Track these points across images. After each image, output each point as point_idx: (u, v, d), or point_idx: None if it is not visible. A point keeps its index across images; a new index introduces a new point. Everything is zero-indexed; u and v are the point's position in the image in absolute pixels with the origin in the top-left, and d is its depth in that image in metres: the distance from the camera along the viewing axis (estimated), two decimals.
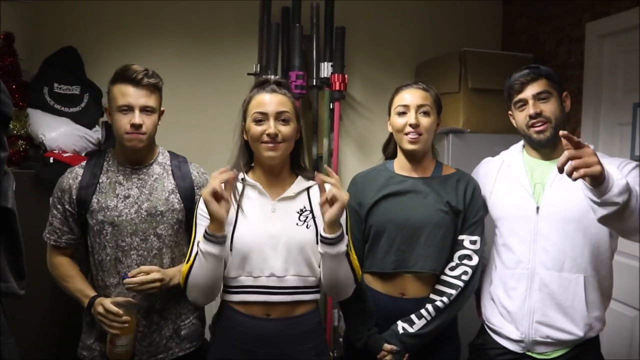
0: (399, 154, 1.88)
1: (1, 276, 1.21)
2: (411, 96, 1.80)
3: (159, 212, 1.79)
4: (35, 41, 2.84)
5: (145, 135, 1.75)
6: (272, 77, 1.69)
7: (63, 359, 2.22)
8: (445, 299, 1.74)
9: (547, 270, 1.71)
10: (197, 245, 1.53)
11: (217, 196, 1.46)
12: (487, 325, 1.87)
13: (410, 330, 1.74)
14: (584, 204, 1.66)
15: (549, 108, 1.73)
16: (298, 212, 1.63)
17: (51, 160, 2.41)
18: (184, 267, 1.59)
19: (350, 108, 3.35)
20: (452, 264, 1.78)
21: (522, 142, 1.89)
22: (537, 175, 1.78)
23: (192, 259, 1.55)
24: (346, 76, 3.04)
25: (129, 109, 1.72)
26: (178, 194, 1.83)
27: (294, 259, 1.59)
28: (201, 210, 1.63)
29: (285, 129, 1.59)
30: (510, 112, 1.86)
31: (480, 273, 1.80)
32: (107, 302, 1.68)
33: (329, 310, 3.02)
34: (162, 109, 1.84)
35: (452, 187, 1.81)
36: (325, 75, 3.04)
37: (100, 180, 1.80)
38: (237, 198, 1.61)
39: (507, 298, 1.78)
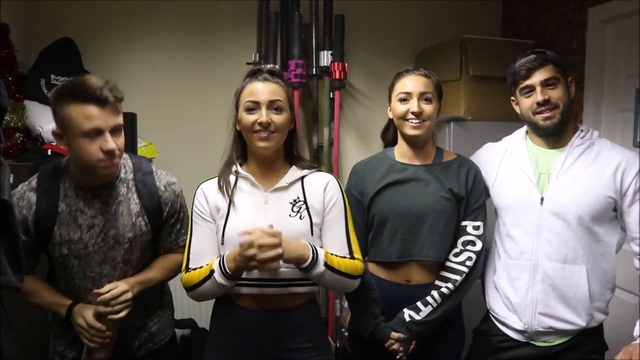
0: (400, 140, 1.86)
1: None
2: (413, 83, 1.77)
3: (127, 239, 1.62)
4: (31, 33, 2.82)
5: (120, 158, 1.55)
6: (266, 66, 1.65)
7: None
8: (450, 285, 1.73)
9: (551, 262, 1.70)
10: (212, 274, 1.51)
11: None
12: (491, 314, 1.86)
13: (417, 317, 1.73)
14: (590, 197, 1.66)
15: (556, 94, 1.70)
16: (291, 203, 1.60)
17: (49, 152, 2.40)
18: (186, 274, 1.58)
19: (351, 97, 3.33)
20: (456, 250, 1.77)
21: (524, 129, 1.86)
22: (541, 165, 1.75)
23: (200, 277, 1.54)
24: (346, 65, 3.01)
25: (98, 132, 1.46)
26: (145, 216, 1.65)
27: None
28: (198, 209, 1.62)
29: (278, 118, 1.55)
30: (513, 99, 1.83)
31: (483, 258, 1.80)
32: (89, 316, 1.55)
33: (330, 301, 3.02)
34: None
35: (453, 173, 1.80)
36: (325, 64, 3.02)
37: (60, 210, 1.58)
38: (230, 191, 1.60)
39: (510, 288, 1.77)
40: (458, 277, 1.73)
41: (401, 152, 1.86)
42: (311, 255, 1.49)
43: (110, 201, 1.62)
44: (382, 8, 3.35)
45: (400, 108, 1.77)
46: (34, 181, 1.63)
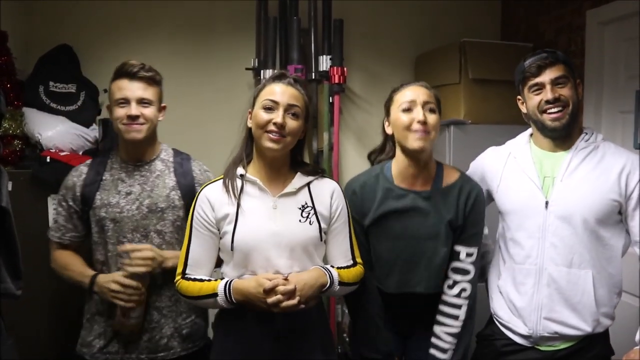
0: (400, 158, 1.76)
1: None
2: (416, 92, 1.70)
3: (159, 209, 1.80)
4: (29, 40, 2.81)
5: (145, 126, 1.77)
6: (290, 74, 1.67)
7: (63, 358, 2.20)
8: (457, 322, 1.72)
9: (556, 266, 1.68)
10: (216, 296, 1.54)
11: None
12: (495, 318, 1.85)
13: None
14: (595, 200, 1.64)
15: (567, 92, 1.68)
16: (300, 209, 1.60)
17: (48, 159, 2.39)
18: (185, 282, 1.60)
19: (350, 101, 3.33)
20: (449, 281, 1.74)
21: (528, 132, 1.85)
22: (546, 168, 1.74)
23: (200, 293, 1.56)
24: (345, 69, 3.01)
25: (126, 101, 1.74)
26: (179, 191, 1.84)
27: (298, 257, 1.57)
28: (202, 217, 1.60)
29: (292, 123, 1.56)
30: (519, 98, 1.80)
31: (477, 283, 1.77)
32: (121, 278, 1.69)
33: (332, 306, 3.00)
34: (163, 104, 1.86)
35: (453, 200, 1.73)
36: (324, 69, 3.01)
37: (104, 178, 1.82)
38: (237, 195, 1.59)
39: (515, 293, 1.75)
40: (459, 312, 1.72)
41: (399, 172, 1.76)
42: (328, 281, 1.58)
43: (149, 174, 1.84)
44: (381, 12, 3.35)
45: (404, 118, 1.68)
46: (89, 160, 1.91)
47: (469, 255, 1.73)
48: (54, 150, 2.44)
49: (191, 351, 1.85)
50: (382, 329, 1.76)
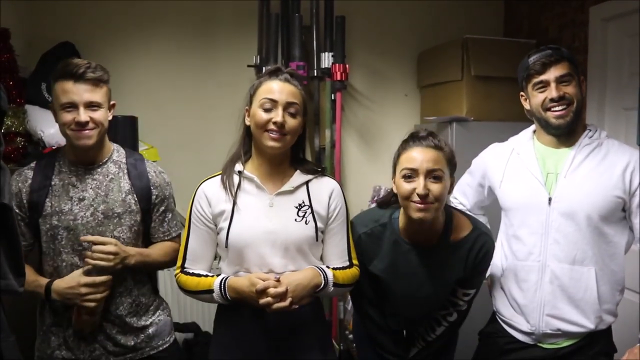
0: (404, 216, 1.65)
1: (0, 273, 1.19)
2: (421, 157, 1.54)
3: (115, 214, 1.69)
4: (31, 37, 2.81)
5: (95, 131, 1.63)
6: (285, 68, 1.64)
7: None
8: (431, 334, 1.79)
9: (559, 263, 1.67)
10: (213, 292, 1.55)
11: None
12: (497, 315, 1.85)
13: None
14: (598, 197, 1.64)
15: (571, 90, 1.66)
16: (297, 207, 1.58)
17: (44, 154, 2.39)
18: (183, 276, 1.60)
19: (352, 98, 3.32)
20: (448, 313, 1.77)
21: (532, 128, 1.84)
22: (549, 165, 1.73)
23: (197, 288, 1.57)
24: (347, 66, 3.00)
25: (73, 106, 1.60)
26: (134, 194, 1.73)
27: (292, 256, 1.57)
28: (199, 212, 1.60)
29: (292, 121, 1.55)
30: (522, 94, 1.79)
31: (466, 315, 1.78)
32: (88, 278, 1.59)
33: (334, 304, 3.01)
34: (112, 102, 1.72)
35: (462, 257, 1.64)
36: (326, 66, 3.01)
37: (53, 183, 1.68)
38: (234, 191, 1.58)
39: (517, 290, 1.75)
40: (436, 327, 1.78)
41: (405, 228, 1.66)
42: (322, 282, 1.56)
43: (102, 178, 1.71)
44: (383, 9, 3.34)
45: (405, 187, 1.55)
46: (34, 162, 1.76)
47: (465, 295, 1.73)
48: (56, 148, 2.44)
49: (161, 348, 1.80)
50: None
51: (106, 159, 1.74)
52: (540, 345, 1.72)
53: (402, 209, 1.65)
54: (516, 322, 1.75)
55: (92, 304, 1.60)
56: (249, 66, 3.04)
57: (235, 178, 1.60)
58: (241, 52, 3.12)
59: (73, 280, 1.61)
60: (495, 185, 1.84)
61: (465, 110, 2.85)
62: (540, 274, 1.70)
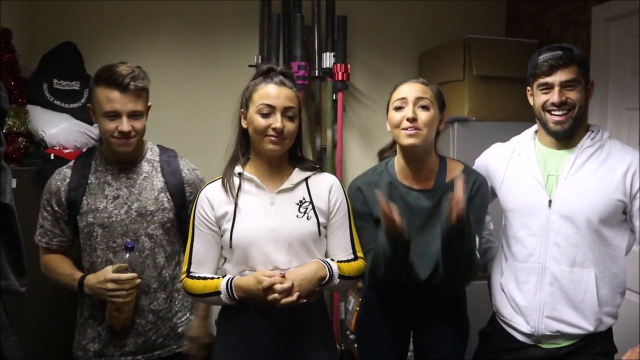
0: (399, 154, 1.77)
1: (1, 274, 1.19)
2: (409, 89, 1.69)
3: (149, 212, 1.75)
4: (33, 37, 2.82)
5: (135, 139, 1.70)
6: (277, 67, 1.63)
7: (65, 358, 2.20)
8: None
9: (559, 265, 1.67)
10: (220, 294, 1.55)
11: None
12: (498, 316, 1.84)
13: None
14: (599, 199, 1.63)
15: (574, 96, 1.64)
16: (297, 204, 1.60)
17: (52, 156, 2.40)
18: (190, 281, 1.60)
19: (353, 98, 3.32)
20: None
21: (534, 128, 1.83)
22: (550, 166, 1.72)
23: (204, 291, 1.57)
24: (349, 66, 3.00)
25: (116, 115, 1.65)
26: (167, 192, 1.79)
27: (296, 252, 1.57)
28: (202, 216, 1.61)
29: (290, 126, 1.56)
30: (528, 88, 1.77)
31: (483, 250, 1.76)
32: (115, 274, 1.64)
33: (335, 304, 3.00)
34: (149, 104, 1.78)
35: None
36: (328, 66, 3.01)
37: (89, 181, 1.75)
38: (235, 193, 1.59)
39: (517, 291, 1.74)
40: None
41: (401, 169, 1.76)
42: (328, 274, 1.57)
43: (136, 177, 1.78)
44: (385, 9, 3.33)
45: (396, 116, 1.68)
46: (72, 161, 1.81)
47: (488, 234, 1.74)
48: (58, 148, 2.44)
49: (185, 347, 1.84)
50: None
51: (140, 158, 1.81)
52: (540, 345, 1.72)
53: (396, 156, 1.77)
54: (516, 323, 1.75)
55: (119, 300, 1.65)
56: (250, 66, 3.03)
57: (236, 180, 1.61)
58: (242, 52, 3.12)
59: (102, 275, 1.66)
60: (496, 186, 1.84)
61: (467, 110, 2.84)
62: (540, 275, 1.69)
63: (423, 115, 1.65)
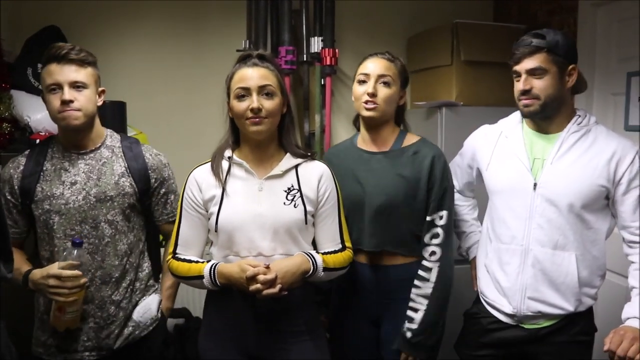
0: (361, 123, 1.87)
1: None
2: (373, 65, 1.78)
3: (108, 197, 1.69)
4: (17, 21, 2.77)
5: (80, 112, 1.63)
6: (256, 51, 1.63)
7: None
8: (427, 284, 1.74)
9: (542, 247, 1.70)
10: (203, 278, 1.56)
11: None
12: (482, 297, 1.87)
13: (415, 326, 1.73)
14: (583, 185, 1.65)
15: (540, 85, 1.66)
16: (285, 191, 1.60)
17: (37, 142, 2.36)
18: (175, 262, 1.61)
19: (342, 83, 3.30)
20: (425, 248, 1.77)
21: None
22: (536, 150, 1.74)
23: (188, 274, 1.59)
24: (337, 51, 2.99)
25: (58, 86, 1.61)
26: (130, 177, 1.73)
27: (281, 239, 1.58)
28: (190, 199, 1.61)
29: (268, 103, 1.55)
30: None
31: (451, 247, 1.79)
32: (58, 270, 1.54)
33: None
34: (101, 88, 1.73)
35: (407, 159, 1.77)
36: (316, 50, 3.00)
37: (45, 168, 1.69)
38: (223, 177, 1.59)
39: (500, 272, 1.77)
40: (429, 275, 1.74)
41: (362, 136, 1.88)
42: (311, 267, 1.57)
43: (94, 163, 1.72)
44: None
45: (358, 89, 1.78)
46: (28, 150, 1.77)
47: (440, 218, 1.76)
48: (43, 133, 2.42)
49: (151, 328, 1.80)
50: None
51: (99, 144, 1.74)
52: (522, 325, 1.76)
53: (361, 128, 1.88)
54: (499, 304, 1.78)
55: (60, 299, 1.55)
56: (237, 51, 3.00)
57: (225, 164, 1.62)
58: (230, 36, 3.09)
59: (46, 270, 1.58)
60: (483, 168, 1.86)
61: (455, 95, 2.85)
62: (523, 257, 1.72)
63: (382, 92, 1.74)
